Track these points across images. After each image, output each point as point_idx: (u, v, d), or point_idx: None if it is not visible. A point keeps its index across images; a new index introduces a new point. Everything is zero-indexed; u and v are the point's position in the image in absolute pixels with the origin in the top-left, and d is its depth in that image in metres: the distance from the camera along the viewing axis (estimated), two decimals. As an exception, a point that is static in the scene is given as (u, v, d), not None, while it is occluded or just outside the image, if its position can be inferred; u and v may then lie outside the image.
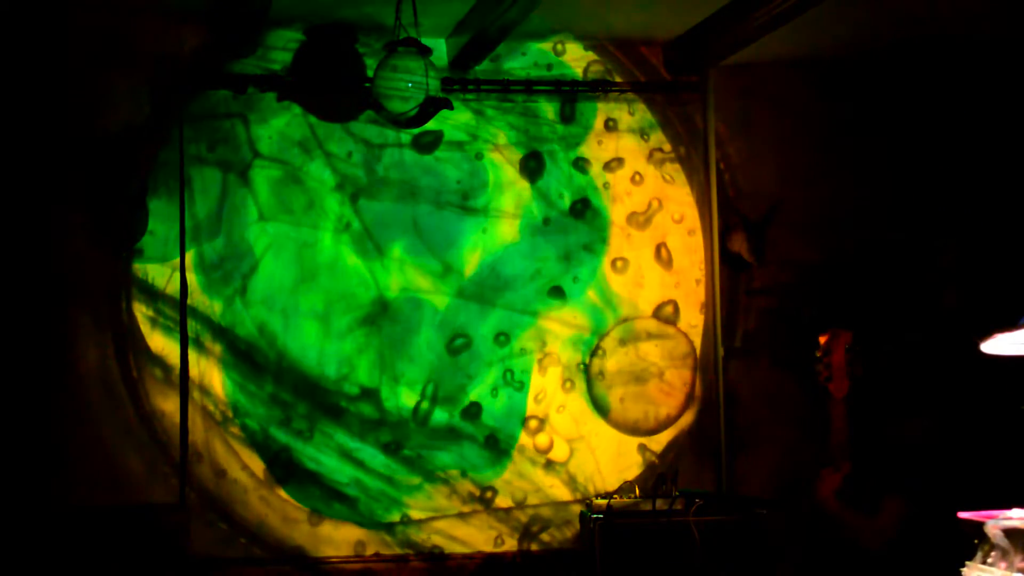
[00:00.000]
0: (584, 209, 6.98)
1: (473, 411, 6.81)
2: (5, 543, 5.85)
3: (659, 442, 6.96)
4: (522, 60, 6.94)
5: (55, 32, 6.35)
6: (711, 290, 7.02)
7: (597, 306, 6.96)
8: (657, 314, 7.01)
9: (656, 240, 7.04)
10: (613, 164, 7.02)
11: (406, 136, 6.79)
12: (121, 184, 6.49)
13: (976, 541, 4.02)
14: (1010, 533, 3.87)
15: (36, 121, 6.34)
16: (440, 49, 6.72)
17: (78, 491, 6.22)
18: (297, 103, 6.72)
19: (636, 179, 7.04)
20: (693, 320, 7.04)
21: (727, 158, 7.11)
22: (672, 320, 7.02)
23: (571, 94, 6.98)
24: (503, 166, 6.93)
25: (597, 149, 7.02)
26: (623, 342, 6.96)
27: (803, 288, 7.01)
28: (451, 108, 6.34)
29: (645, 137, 7.06)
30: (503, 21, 6.12)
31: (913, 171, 7.00)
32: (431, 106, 6.05)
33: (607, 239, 6.98)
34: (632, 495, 6.14)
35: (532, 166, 6.96)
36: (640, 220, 7.03)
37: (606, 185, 7.00)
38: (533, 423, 6.86)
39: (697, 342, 7.02)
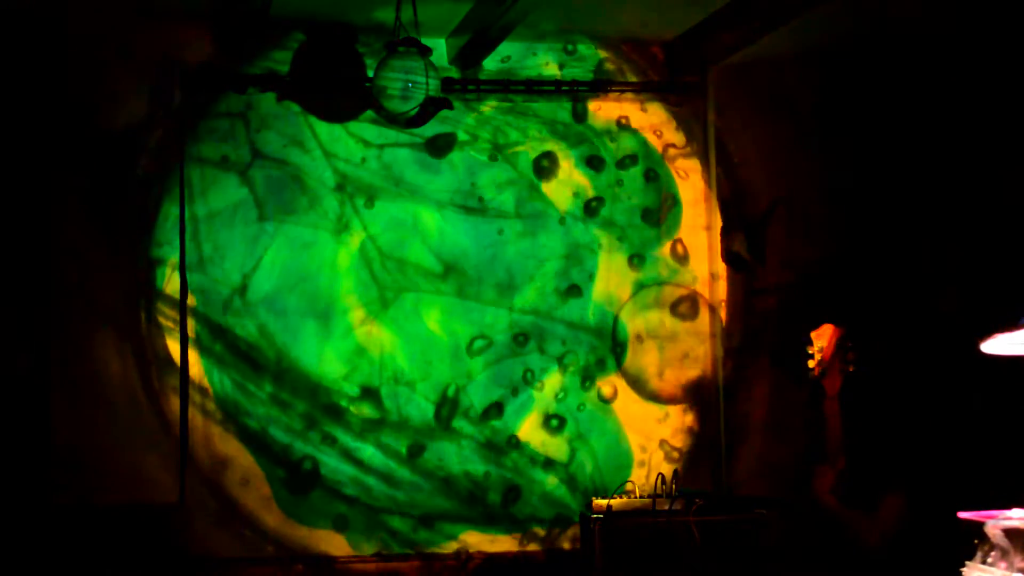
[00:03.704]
0: (598, 207, 6.98)
1: (473, 411, 6.81)
2: (6, 542, 5.86)
3: (659, 442, 6.96)
4: (522, 60, 6.94)
5: (56, 33, 6.35)
6: (711, 290, 7.02)
7: (613, 302, 6.96)
8: (675, 310, 7.01)
9: (671, 237, 7.03)
10: (626, 162, 7.02)
11: (406, 136, 6.79)
12: (121, 184, 6.50)
13: (976, 541, 4.02)
14: (1010, 533, 3.87)
15: (37, 122, 6.34)
16: (440, 49, 6.72)
17: (77, 491, 6.22)
18: (297, 103, 6.72)
19: (650, 176, 7.03)
20: (705, 315, 7.06)
21: (727, 158, 7.11)
22: (689, 315, 7.02)
23: (574, 93, 6.98)
24: (508, 166, 6.93)
25: (607, 148, 7.01)
26: (640, 334, 6.96)
27: (803, 287, 7.01)
28: (451, 108, 6.34)
29: (657, 134, 7.05)
30: (503, 21, 6.13)
31: (914, 170, 7.00)
32: (431, 106, 6.06)
33: (622, 237, 6.98)
34: (632, 495, 6.14)
35: (544, 165, 6.96)
36: (654, 218, 7.03)
37: (619, 182, 7.00)
38: (533, 423, 6.87)
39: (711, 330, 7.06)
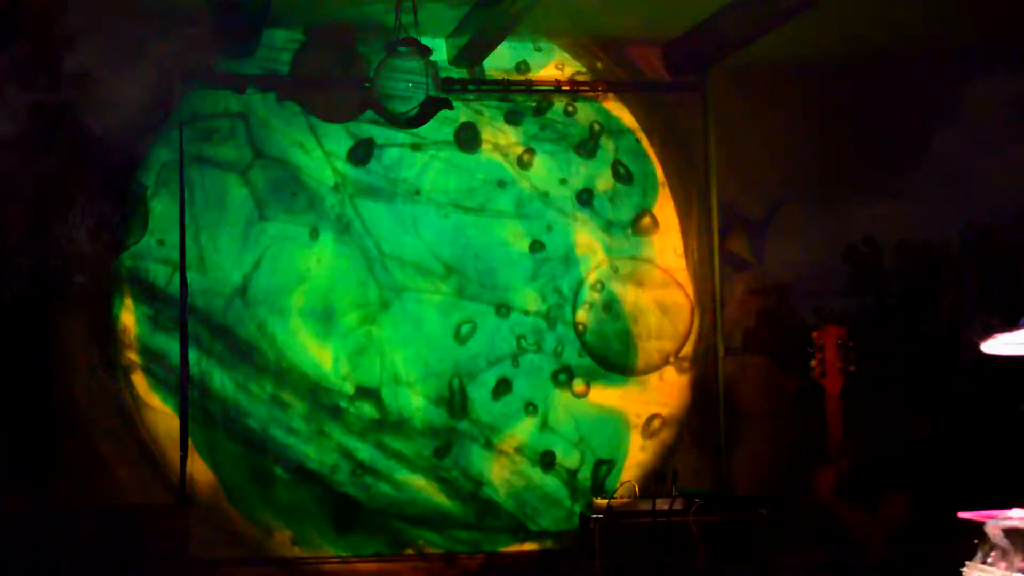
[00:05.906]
0: (585, 207, 6.98)
1: (473, 413, 6.81)
2: (6, 545, 5.86)
3: (659, 441, 6.97)
4: (522, 60, 6.94)
5: (54, 32, 6.35)
6: (711, 290, 7.03)
7: (600, 304, 6.96)
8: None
9: (649, 241, 7.04)
10: (614, 162, 7.02)
11: (406, 136, 6.79)
12: (121, 184, 6.50)
13: (976, 541, 4.02)
14: (1010, 533, 3.86)
15: (36, 121, 6.34)
16: (440, 49, 6.72)
17: (77, 492, 6.22)
18: (297, 103, 6.72)
19: (636, 177, 7.04)
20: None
21: (727, 158, 7.11)
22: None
23: (571, 93, 6.98)
24: (503, 165, 6.93)
25: (596, 148, 7.01)
26: (606, 306, 6.97)
27: (803, 288, 7.01)
28: (451, 108, 6.33)
29: (643, 136, 7.05)
30: (503, 21, 6.13)
31: (913, 170, 7.00)
32: (431, 106, 6.05)
33: (609, 239, 6.98)
34: (632, 495, 6.14)
35: (533, 165, 6.96)
36: (641, 220, 7.03)
37: (614, 179, 6.99)
38: (532, 422, 6.87)
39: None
